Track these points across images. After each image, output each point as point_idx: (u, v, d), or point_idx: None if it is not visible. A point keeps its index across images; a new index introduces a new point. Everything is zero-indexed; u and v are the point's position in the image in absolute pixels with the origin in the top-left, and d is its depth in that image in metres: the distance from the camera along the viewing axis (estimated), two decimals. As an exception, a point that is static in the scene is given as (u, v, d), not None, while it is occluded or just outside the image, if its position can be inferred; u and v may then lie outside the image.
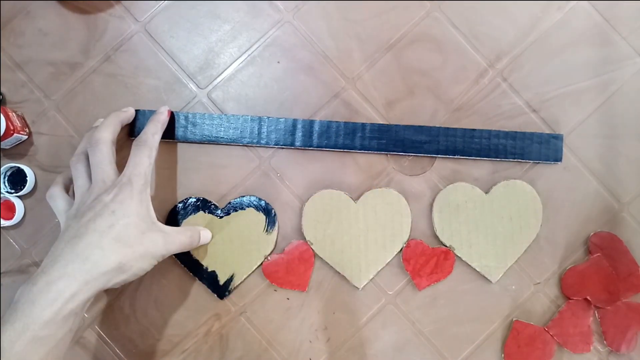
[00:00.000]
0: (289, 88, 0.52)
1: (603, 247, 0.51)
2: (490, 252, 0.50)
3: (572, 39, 0.52)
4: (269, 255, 0.51)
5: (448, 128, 0.51)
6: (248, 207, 0.51)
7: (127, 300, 0.51)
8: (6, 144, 0.49)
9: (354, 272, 0.50)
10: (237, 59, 0.52)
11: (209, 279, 0.50)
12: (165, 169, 0.51)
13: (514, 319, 0.51)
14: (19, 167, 0.51)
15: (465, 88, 0.52)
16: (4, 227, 0.51)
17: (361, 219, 0.50)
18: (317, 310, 0.51)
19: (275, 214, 0.51)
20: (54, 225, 0.51)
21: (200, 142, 0.51)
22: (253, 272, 0.51)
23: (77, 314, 0.40)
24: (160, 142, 0.48)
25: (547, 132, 0.52)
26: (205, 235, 0.49)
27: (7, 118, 0.48)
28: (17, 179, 0.51)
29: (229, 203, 0.51)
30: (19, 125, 0.50)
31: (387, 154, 0.52)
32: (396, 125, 0.51)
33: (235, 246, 0.50)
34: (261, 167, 0.52)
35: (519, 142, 0.51)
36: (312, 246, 0.50)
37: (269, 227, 0.51)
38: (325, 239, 0.50)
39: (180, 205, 0.51)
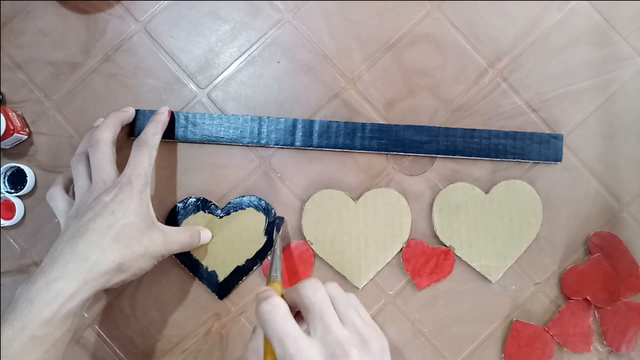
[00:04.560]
0: (289, 88, 0.52)
1: (603, 247, 0.51)
2: (490, 252, 0.50)
3: (572, 39, 0.52)
4: (269, 255, 0.51)
5: (448, 128, 0.51)
6: (248, 207, 0.51)
7: (127, 300, 0.51)
8: (6, 144, 0.49)
9: (354, 272, 0.50)
10: (237, 59, 0.52)
11: (209, 279, 0.50)
12: (165, 169, 0.51)
13: (514, 319, 0.51)
14: (19, 167, 0.51)
15: (465, 88, 0.52)
16: (4, 227, 0.51)
17: (361, 219, 0.50)
18: (317, 310, 0.51)
19: (275, 214, 0.51)
20: (54, 225, 0.51)
21: (200, 142, 0.51)
22: (253, 272, 0.51)
23: (76, 314, 0.40)
24: (160, 142, 0.48)
25: (547, 132, 0.52)
26: (205, 235, 0.49)
27: (7, 118, 0.48)
28: (17, 179, 0.51)
29: (229, 203, 0.51)
30: (19, 125, 0.50)
31: (387, 154, 0.52)
32: (396, 125, 0.51)
33: (235, 246, 0.50)
34: (261, 167, 0.52)
35: (519, 142, 0.51)
36: (312, 246, 0.50)
37: (269, 227, 0.51)
38: (325, 239, 0.50)
39: (180, 205, 0.51)
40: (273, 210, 0.51)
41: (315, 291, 0.35)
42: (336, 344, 0.33)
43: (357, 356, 0.33)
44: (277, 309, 0.34)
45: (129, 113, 0.50)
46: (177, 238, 0.45)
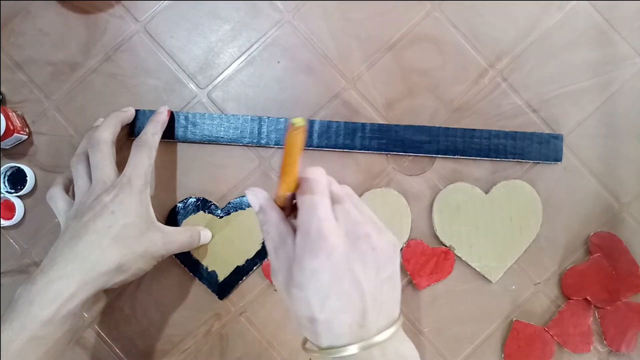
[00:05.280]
0: (289, 88, 0.52)
1: (603, 247, 0.51)
2: (490, 252, 0.50)
3: (572, 39, 0.52)
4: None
5: (448, 128, 0.51)
6: (248, 207, 0.51)
7: (127, 300, 0.51)
8: (6, 144, 0.49)
9: (354, 272, 0.50)
10: (237, 59, 0.52)
11: (209, 279, 0.50)
12: (165, 169, 0.51)
13: (514, 319, 0.51)
14: (19, 167, 0.51)
15: (465, 88, 0.52)
16: (4, 227, 0.51)
17: (361, 219, 0.50)
18: (317, 310, 0.51)
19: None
20: (54, 225, 0.51)
21: (200, 142, 0.51)
22: (253, 272, 0.51)
23: (75, 314, 0.40)
24: (160, 142, 0.48)
25: (547, 132, 0.52)
26: (205, 235, 0.49)
27: (7, 118, 0.48)
28: (17, 179, 0.51)
29: (229, 203, 0.51)
30: (19, 125, 0.50)
31: (387, 154, 0.52)
32: (396, 125, 0.51)
33: (235, 246, 0.50)
34: (261, 167, 0.52)
35: (519, 142, 0.51)
36: (312, 246, 0.50)
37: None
38: (325, 239, 0.50)
39: (180, 205, 0.51)
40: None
41: (334, 183, 0.36)
42: (356, 223, 0.33)
43: (376, 239, 0.33)
44: (323, 177, 0.35)
45: (129, 113, 0.50)
46: (176, 238, 0.45)
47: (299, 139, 0.31)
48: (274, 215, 0.35)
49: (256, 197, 0.36)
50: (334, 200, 0.34)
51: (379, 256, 0.33)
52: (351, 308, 0.32)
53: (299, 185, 0.34)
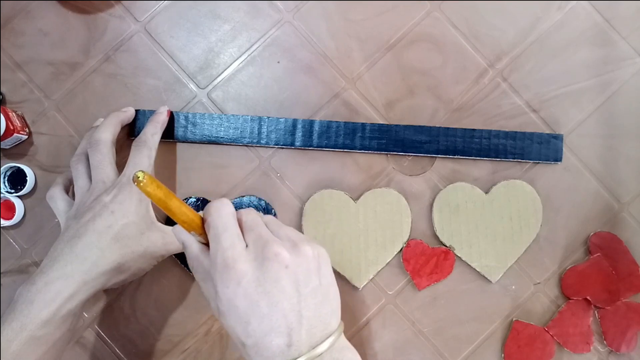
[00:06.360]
0: (289, 88, 0.52)
1: (603, 247, 0.51)
2: (490, 252, 0.50)
3: (572, 39, 0.52)
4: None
5: (448, 128, 0.51)
6: (248, 207, 0.51)
7: (127, 300, 0.51)
8: (6, 144, 0.49)
9: (354, 272, 0.50)
10: (237, 59, 0.52)
11: (209, 279, 0.50)
12: (165, 169, 0.51)
13: (514, 319, 0.51)
14: (19, 167, 0.51)
15: (465, 88, 0.52)
16: (4, 227, 0.51)
17: (361, 219, 0.50)
18: (317, 310, 0.51)
19: (275, 214, 0.51)
20: (54, 225, 0.51)
21: (200, 142, 0.51)
22: (253, 272, 0.51)
23: (75, 314, 0.40)
24: (160, 142, 0.48)
25: (547, 132, 0.52)
26: (205, 235, 0.49)
27: (7, 118, 0.48)
28: (17, 179, 0.51)
29: (229, 203, 0.51)
30: (19, 125, 0.50)
31: (387, 154, 0.52)
32: (396, 125, 0.51)
33: (235, 246, 0.50)
34: (261, 167, 0.52)
35: (519, 142, 0.51)
36: (312, 246, 0.50)
37: (269, 227, 0.51)
38: (325, 239, 0.50)
39: (180, 205, 0.51)
40: (273, 211, 0.51)
41: (247, 213, 0.36)
42: (265, 245, 0.33)
43: (288, 257, 0.33)
44: (226, 207, 0.34)
45: (129, 113, 0.50)
46: (176, 238, 0.45)
47: (149, 189, 0.31)
48: (194, 249, 0.35)
49: (178, 233, 0.36)
50: (245, 228, 0.34)
51: (294, 272, 0.33)
52: (275, 330, 0.32)
53: (205, 220, 0.35)
